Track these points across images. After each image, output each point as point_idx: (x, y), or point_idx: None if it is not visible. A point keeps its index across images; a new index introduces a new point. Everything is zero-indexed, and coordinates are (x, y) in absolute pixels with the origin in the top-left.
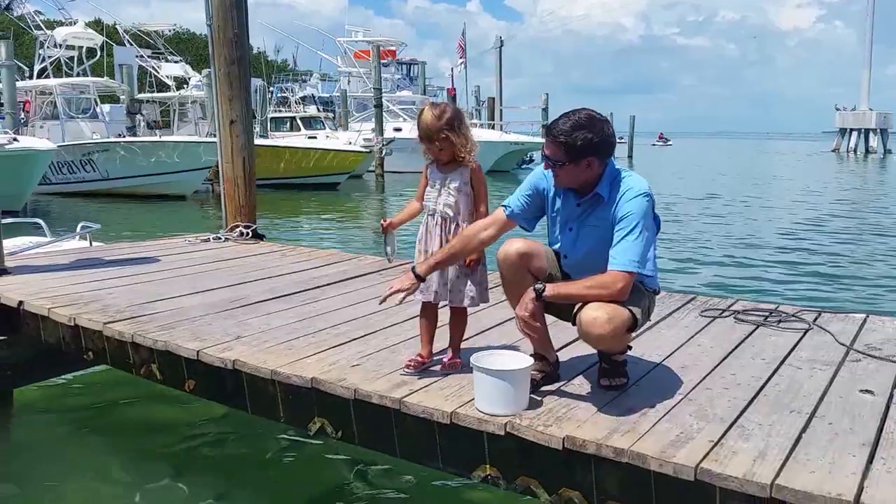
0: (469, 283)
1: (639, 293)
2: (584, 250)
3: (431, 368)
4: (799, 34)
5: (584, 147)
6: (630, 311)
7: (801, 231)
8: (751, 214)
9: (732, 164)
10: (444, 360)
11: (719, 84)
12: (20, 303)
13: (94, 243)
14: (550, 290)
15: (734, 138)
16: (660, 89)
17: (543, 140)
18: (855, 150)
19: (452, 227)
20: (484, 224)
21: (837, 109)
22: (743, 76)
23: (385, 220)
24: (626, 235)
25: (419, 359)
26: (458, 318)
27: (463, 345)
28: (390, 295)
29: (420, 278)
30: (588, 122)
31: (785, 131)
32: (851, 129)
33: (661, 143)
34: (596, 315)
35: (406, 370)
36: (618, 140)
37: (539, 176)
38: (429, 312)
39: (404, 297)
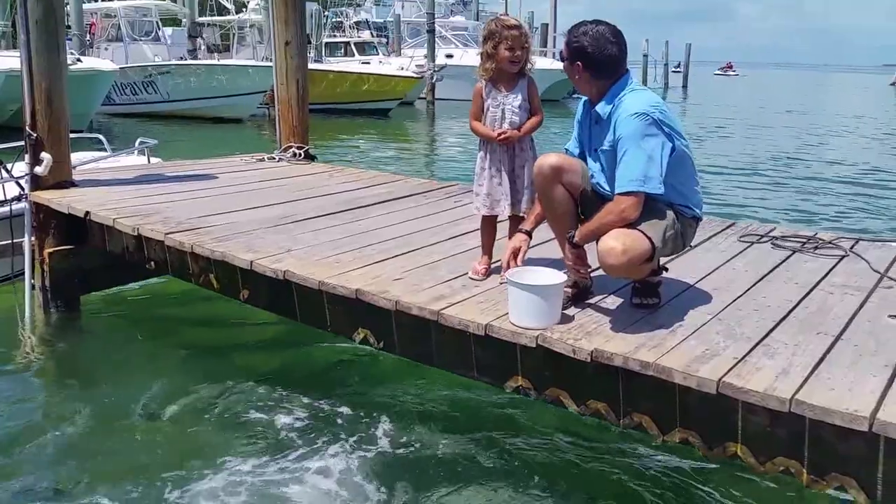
0: (533, 191)
1: (661, 221)
2: (598, 170)
3: (477, 281)
4: None
5: (575, 49)
6: (650, 241)
7: (851, 162)
8: (799, 145)
9: (786, 94)
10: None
11: (782, 14)
12: (87, 213)
13: (152, 159)
14: (579, 235)
15: (795, 69)
16: (721, 18)
17: None
18: None
19: (516, 143)
20: None
21: None
22: (806, 6)
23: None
24: (622, 157)
25: (486, 267)
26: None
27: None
28: (510, 259)
29: (529, 234)
30: (594, 31)
31: (847, 63)
32: None
33: (721, 73)
34: (612, 245)
35: (473, 277)
36: (673, 69)
37: (579, 108)
38: (491, 226)
39: (522, 256)
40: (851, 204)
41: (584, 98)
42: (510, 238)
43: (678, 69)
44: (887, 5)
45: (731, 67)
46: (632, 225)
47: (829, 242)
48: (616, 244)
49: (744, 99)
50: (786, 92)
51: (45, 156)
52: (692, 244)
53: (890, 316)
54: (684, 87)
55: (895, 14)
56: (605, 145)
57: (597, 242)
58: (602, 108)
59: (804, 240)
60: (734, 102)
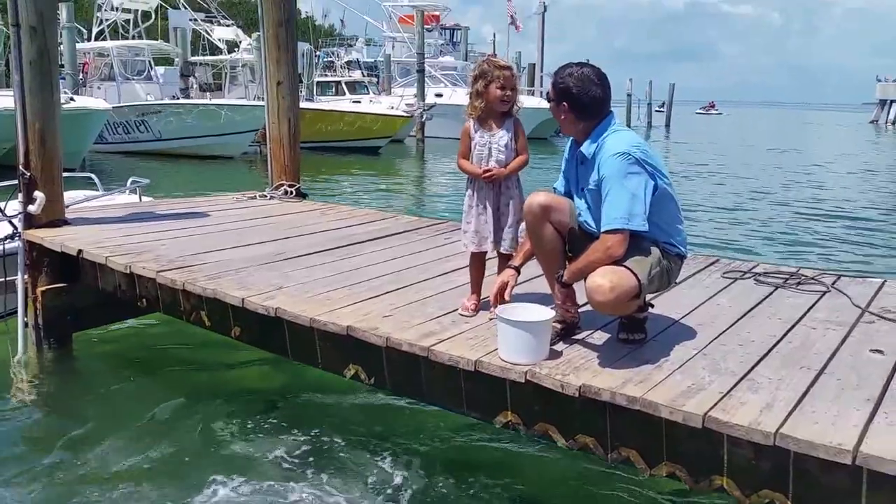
0: (517, 229)
1: (647, 257)
2: (585, 209)
3: (467, 318)
4: (844, 3)
5: (560, 90)
6: (637, 278)
7: (833, 198)
8: (782, 182)
9: (768, 132)
10: (493, 307)
11: (764, 53)
12: (80, 252)
13: (144, 198)
14: (567, 274)
15: (776, 107)
16: (704, 57)
17: None
18: (894, 122)
19: (502, 181)
20: None
21: (878, 80)
22: (787, 45)
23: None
24: (606, 196)
25: (475, 303)
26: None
27: None
28: (499, 293)
29: (518, 270)
30: (579, 73)
31: (827, 101)
32: (892, 101)
33: (703, 112)
34: (600, 283)
35: (462, 314)
36: (656, 109)
37: (566, 148)
38: (480, 262)
39: (510, 291)
40: (833, 240)
41: (572, 137)
42: (499, 275)
43: (661, 109)
44: (867, 44)
45: (713, 106)
46: (618, 262)
47: (812, 279)
48: (604, 281)
49: (726, 137)
50: (769, 130)
51: (39, 195)
52: (677, 280)
53: (871, 350)
54: (667, 126)
55: (875, 52)
56: (591, 184)
57: (584, 280)
58: (587, 148)
59: (787, 276)
60: (716, 141)
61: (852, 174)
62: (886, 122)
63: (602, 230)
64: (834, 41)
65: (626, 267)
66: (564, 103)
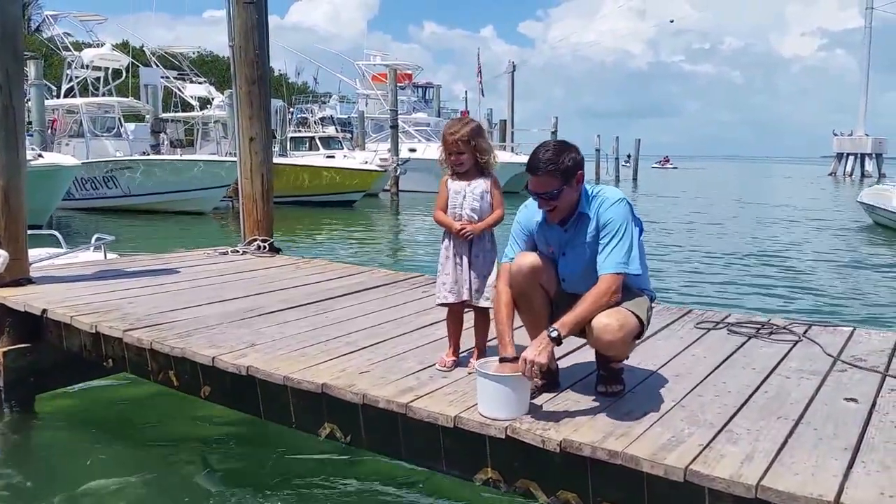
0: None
1: (642, 299)
2: (581, 269)
3: (445, 372)
4: (801, 62)
5: (573, 166)
6: (638, 318)
7: (796, 249)
8: (748, 234)
9: (733, 185)
10: (471, 361)
11: (724, 109)
12: (44, 311)
13: (109, 255)
14: (564, 329)
15: (737, 161)
16: (667, 113)
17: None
18: (851, 174)
19: (476, 234)
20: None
21: (835, 134)
22: (747, 102)
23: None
24: (609, 240)
25: (453, 358)
26: (482, 321)
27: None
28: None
29: (513, 359)
30: (562, 145)
31: (785, 155)
32: (848, 154)
33: (659, 166)
34: (608, 322)
35: (440, 368)
36: (623, 163)
37: (525, 219)
38: (456, 316)
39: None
40: (800, 289)
41: (529, 213)
42: (476, 328)
43: (627, 163)
44: (823, 100)
45: (668, 161)
46: (617, 305)
47: (783, 328)
48: (611, 321)
49: (694, 190)
50: (737, 183)
51: (2, 253)
52: (651, 331)
53: (845, 399)
54: (634, 179)
55: (831, 108)
56: (587, 238)
57: (588, 323)
58: (585, 206)
59: (759, 325)
60: (683, 193)
61: (813, 226)
62: (844, 175)
63: (604, 273)
64: (792, 97)
65: (626, 308)
66: (580, 171)
